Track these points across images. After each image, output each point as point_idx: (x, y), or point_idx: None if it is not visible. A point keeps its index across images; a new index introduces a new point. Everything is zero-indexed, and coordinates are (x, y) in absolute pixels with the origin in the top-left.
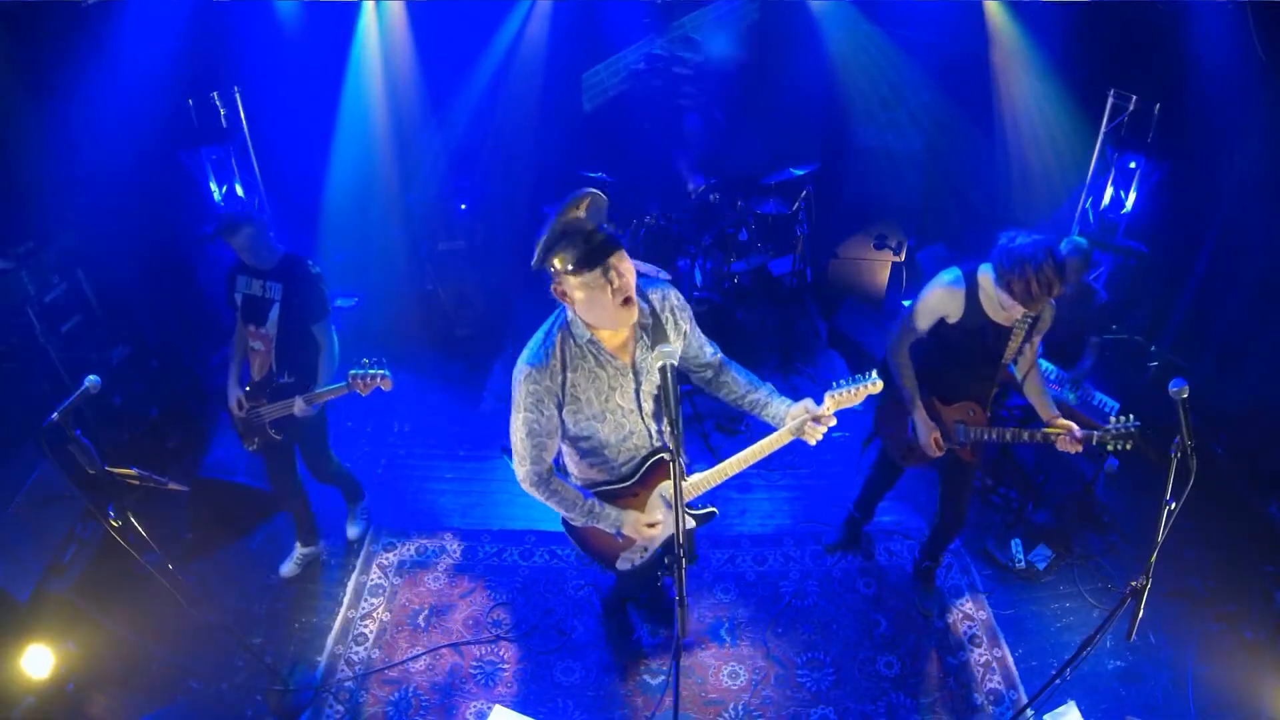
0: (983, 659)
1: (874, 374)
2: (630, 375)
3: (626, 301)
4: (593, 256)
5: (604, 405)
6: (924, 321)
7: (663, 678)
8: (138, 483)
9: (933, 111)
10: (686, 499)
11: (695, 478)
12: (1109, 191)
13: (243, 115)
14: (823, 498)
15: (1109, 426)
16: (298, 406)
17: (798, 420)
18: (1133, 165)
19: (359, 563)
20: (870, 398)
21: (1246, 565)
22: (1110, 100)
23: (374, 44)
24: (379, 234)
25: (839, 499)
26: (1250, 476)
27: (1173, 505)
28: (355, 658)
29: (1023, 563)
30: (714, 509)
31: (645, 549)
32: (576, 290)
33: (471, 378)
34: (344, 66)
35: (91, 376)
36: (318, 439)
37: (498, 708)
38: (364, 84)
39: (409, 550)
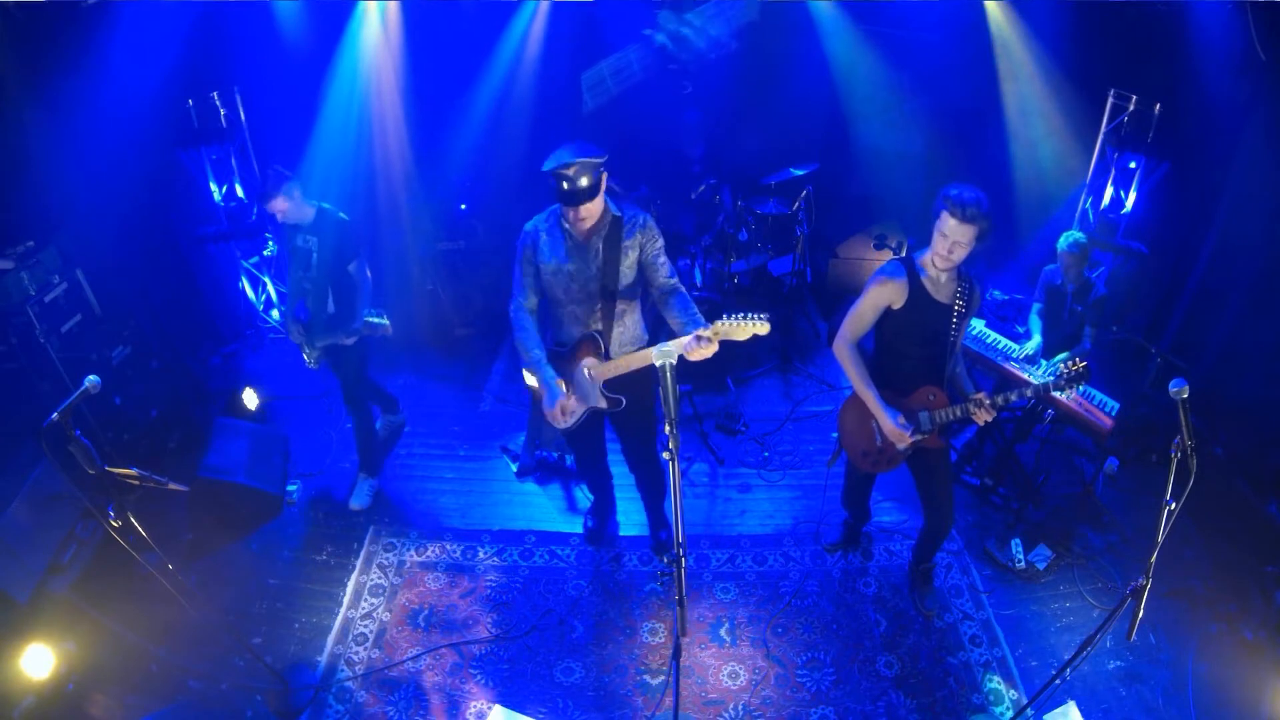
0: (983, 659)
1: (764, 316)
2: (583, 251)
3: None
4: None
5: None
6: (870, 314)
7: (663, 678)
8: (138, 483)
9: (932, 111)
10: (601, 379)
11: (605, 364)
12: (1109, 191)
13: (243, 115)
14: (822, 498)
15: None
16: (341, 339)
17: (687, 338)
18: (1133, 165)
19: (359, 563)
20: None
21: (1246, 565)
22: (1110, 100)
23: (374, 43)
24: (379, 234)
25: (839, 499)
26: (1250, 476)
27: (1173, 505)
28: (355, 658)
29: (1023, 563)
30: (622, 398)
31: (573, 413)
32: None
33: (471, 378)
34: (344, 66)
35: (91, 376)
36: (351, 370)
37: (498, 708)
38: (364, 83)
39: (409, 550)
